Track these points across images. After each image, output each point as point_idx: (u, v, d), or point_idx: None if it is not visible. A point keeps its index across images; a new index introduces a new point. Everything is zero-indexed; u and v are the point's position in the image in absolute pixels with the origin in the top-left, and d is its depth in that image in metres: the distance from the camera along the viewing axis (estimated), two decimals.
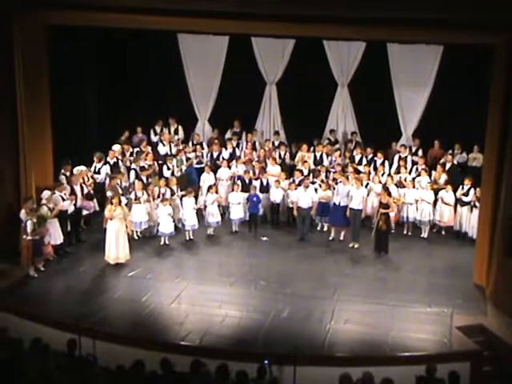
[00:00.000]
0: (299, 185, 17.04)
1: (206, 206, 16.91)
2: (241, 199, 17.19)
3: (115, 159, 18.11)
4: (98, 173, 17.60)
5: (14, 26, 14.33)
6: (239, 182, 17.59)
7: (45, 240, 14.44)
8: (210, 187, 17.17)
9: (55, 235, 15.02)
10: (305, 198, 16.68)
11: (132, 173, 17.66)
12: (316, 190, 17.02)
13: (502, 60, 13.10)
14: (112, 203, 15.02)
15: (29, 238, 13.98)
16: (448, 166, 18.07)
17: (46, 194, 14.98)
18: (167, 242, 16.20)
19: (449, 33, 13.57)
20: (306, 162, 18.30)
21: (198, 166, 18.99)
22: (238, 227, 17.31)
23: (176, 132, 20.52)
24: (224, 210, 17.99)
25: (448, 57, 18.39)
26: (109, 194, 16.20)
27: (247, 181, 17.80)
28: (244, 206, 17.32)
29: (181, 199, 16.85)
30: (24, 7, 14.22)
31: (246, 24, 14.52)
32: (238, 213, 17.20)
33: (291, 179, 17.72)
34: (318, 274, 14.81)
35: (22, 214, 14.24)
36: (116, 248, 14.84)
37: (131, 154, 18.88)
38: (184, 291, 13.81)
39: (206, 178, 17.97)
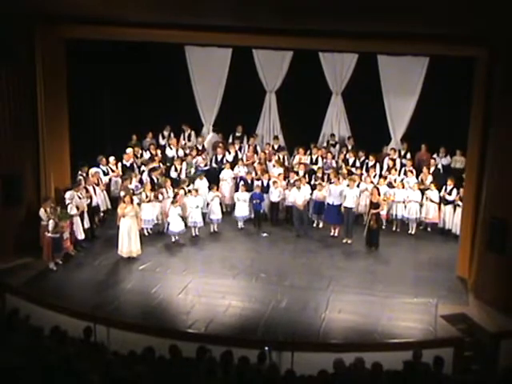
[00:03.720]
0: (294, 185, 17.13)
1: (208, 204, 16.97)
2: (246, 198, 17.20)
3: (131, 160, 18.31)
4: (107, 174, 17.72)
5: (37, 39, 14.44)
6: (243, 182, 17.61)
7: (64, 236, 14.57)
8: (211, 187, 17.23)
9: (78, 231, 15.25)
10: (300, 197, 16.74)
11: (144, 174, 17.79)
12: (312, 190, 17.10)
13: (482, 71, 13.15)
14: (124, 202, 15.13)
15: (50, 235, 14.13)
16: (432, 169, 18.11)
17: (69, 194, 15.19)
18: (177, 238, 16.23)
19: (434, 46, 13.62)
20: (302, 164, 18.34)
21: (204, 168, 19.01)
22: (243, 224, 17.32)
23: (189, 137, 20.60)
24: (227, 208, 18.05)
25: (433, 67, 18.44)
26: (122, 193, 16.28)
27: (249, 181, 17.84)
28: (249, 205, 17.33)
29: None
30: (44, 22, 14.30)
31: (247, 37, 14.59)
32: (242, 211, 17.24)
33: (287, 180, 17.75)
34: (313, 268, 14.86)
35: (42, 212, 14.40)
36: (128, 243, 14.92)
37: (141, 156, 18.97)
38: (190, 283, 13.87)
39: (200, 184, 17.71)
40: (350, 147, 19.59)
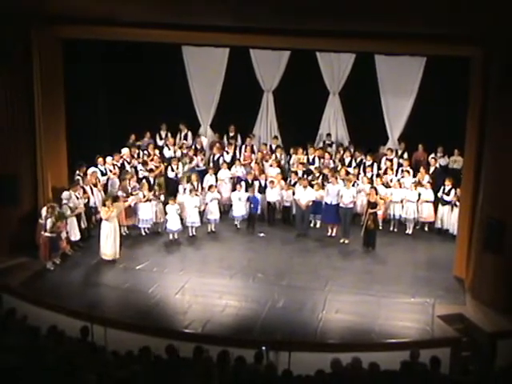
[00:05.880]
0: (294, 185, 17.12)
1: (206, 204, 16.98)
2: (242, 197, 17.17)
3: (121, 161, 18.26)
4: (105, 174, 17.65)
5: (33, 39, 14.41)
6: (242, 183, 17.53)
7: (61, 236, 14.54)
8: (210, 186, 17.20)
9: (74, 232, 15.21)
10: (305, 196, 16.70)
11: (140, 173, 17.80)
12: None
13: (478, 71, 13.16)
14: (105, 205, 14.92)
15: (47, 234, 14.10)
16: (432, 169, 18.13)
17: (66, 194, 15.14)
18: (176, 237, 16.22)
19: (431, 46, 13.60)
20: (301, 163, 18.35)
21: (202, 168, 19.00)
22: (240, 224, 17.31)
23: (185, 137, 20.59)
24: (224, 208, 18.05)
25: (431, 67, 18.46)
26: (120, 193, 16.24)
27: (249, 181, 17.76)
28: (246, 205, 17.27)
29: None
30: (41, 22, 14.28)
31: (244, 37, 14.56)
32: (240, 210, 17.21)
33: (288, 180, 17.76)
34: (311, 267, 14.86)
35: (44, 210, 14.34)
36: (113, 244, 14.75)
37: (138, 156, 18.96)
38: (187, 283, 13.88)
39: (209, 180, 17.97)
40: (352, 150, 19.47)
